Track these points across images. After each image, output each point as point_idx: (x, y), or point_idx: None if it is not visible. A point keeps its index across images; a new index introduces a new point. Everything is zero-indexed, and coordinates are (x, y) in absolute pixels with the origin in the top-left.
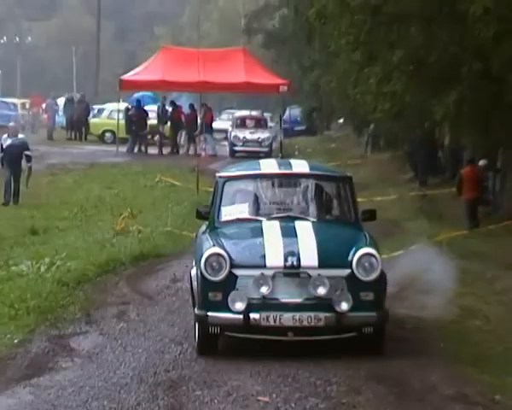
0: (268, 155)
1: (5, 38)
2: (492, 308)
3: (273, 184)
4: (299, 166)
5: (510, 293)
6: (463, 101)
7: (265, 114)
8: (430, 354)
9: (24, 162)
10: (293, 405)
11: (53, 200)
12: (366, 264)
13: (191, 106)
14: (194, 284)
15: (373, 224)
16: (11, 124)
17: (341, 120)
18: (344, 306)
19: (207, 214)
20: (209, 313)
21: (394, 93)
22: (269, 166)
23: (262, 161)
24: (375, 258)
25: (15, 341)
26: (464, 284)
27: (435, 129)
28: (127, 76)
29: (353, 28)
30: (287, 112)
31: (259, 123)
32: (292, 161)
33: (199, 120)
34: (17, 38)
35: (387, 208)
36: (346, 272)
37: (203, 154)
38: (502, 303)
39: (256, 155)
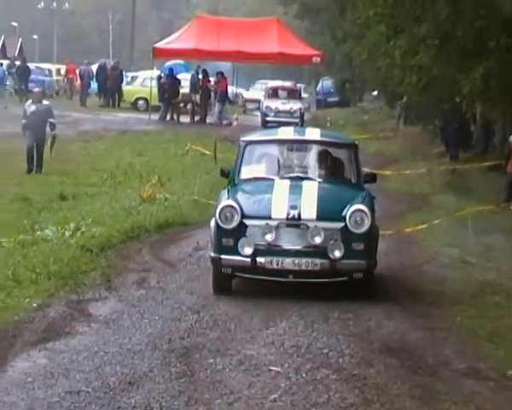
0: (300, 125)
1: (42, 3)
2: None
3: (288, 149)
4: (312, 133)
5: None
6: (490, 75)
7: (298, 85)
8: (446, 328)
9: (48, 130)
10: (304, 375)
11: (83, 166)
12: (357, 218)
13: (220, 74)
14: (211, 232)
15: (401, 197)
16: (36, 89)
17: (375, 92)
18: (337, 253)
19: (229, 173)
20: (222, 256)
21: (421, 66)
22: (285, 132)
23: (280, 129)
24: (366, 214)
25: (34, 305)
26: (488, 259)
27: (462, 103)
28: (160, 44)
29: (379, 0)
30: (320, 83)
31: (292, 93)
32: (307, 129)
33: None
34: (54, 4)
35: (416, 182)
36: (340, 224)
37: (235, 123)
38: None
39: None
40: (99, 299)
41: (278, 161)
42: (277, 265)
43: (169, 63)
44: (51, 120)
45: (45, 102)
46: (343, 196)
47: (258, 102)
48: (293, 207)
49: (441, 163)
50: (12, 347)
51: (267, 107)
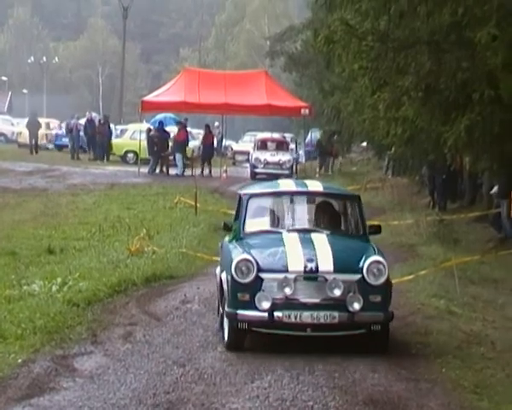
0: (289, 177)
1: (32, 58)
2: (500, 334)
3: (291, 201)
4: (314, 185)
5: None
6: (475, 127)
7: (286, 135)
8: (431, 380)
9: None
10: None
11: (72, 220)
12: (375, 270)
13: (179, 124)
14: (224, 286)
15: (387, 248)
16: None
17: (364, 144)
18: (356, 306)
19: (232, 227)
20: (238, 311)
21: (405, 118)
22: (287, 185)
23: (280, 181)
24: (383, 265)
25: (19, 360)
26: (474, 310)
27: (446, 154)
28: (148, 98)
29: (362, 54)
30: (309, 135)
31: (281, 145)
32: (307, 181)
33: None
34: (44, 58)
35: (403, 233)
36: (358, 276)
37: (224, 175)
38: (510, 330)
39: (277, 178)
40: (84, 354)
41: (283, 214)
42: (295, 319)
43: (159, 116)
44: None
45: None
46: (355, 248)
47: (248, 153)
48: (310, 260)
49: (428, 214)
50: None
51: (256, 159)
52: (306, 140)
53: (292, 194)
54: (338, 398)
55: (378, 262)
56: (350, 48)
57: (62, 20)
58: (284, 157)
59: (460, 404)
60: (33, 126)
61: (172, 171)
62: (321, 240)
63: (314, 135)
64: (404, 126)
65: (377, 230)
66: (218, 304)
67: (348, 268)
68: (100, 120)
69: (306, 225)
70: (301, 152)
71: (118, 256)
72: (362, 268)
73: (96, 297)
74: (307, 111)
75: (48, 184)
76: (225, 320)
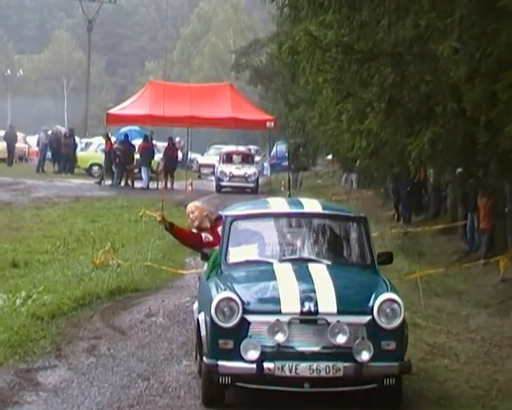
0: (254, 190)
1: None
2: (463, 346)
3: (284, 224)
4: (311, 205)
5: (483, 331)
6: (438, 139)
7: (251, 147)
8: None
9: None
10: None
11: (36, 233)
12: (388, 310)
13: (145, 137)
14: (202, 330)
15: None
16: None
17: (330, 156)
18: (365, 355)
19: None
20: (219, 363)
21: (370, 131)
22: (278, 205)
23: (270, 200)
24: (398, 304)
25: None
26: (438, 322)
27: (410, 167)
28: (114, 110)
29: (326, 65)
30: (274, 148)
31: (246, 158)
32: (302, 199)
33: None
34: (8, 71)
35: None
36: (367, 319)
37: (189, 188)
38: (473, 341)
39: (242, 191)
40: (48, 367)
41: (274, 240)
42: (290, 371)
43: (124, 129)
44: None
45: None
46: (363, 283)
47: (213, 166)
48: (308, 299)
49: (393, 226)
50: None
51: (221, 172)
52: (272, 153)
53: (285, 216)
54: None
55: (392, 301)
56: (314, 59)
57: (26, 33)
58: (250, 170)
59: None
60: (10, 139)
61: (137, 184)
62: (320, 272)
63: (279, 148)
64: (368, 139)
65: (388, 258)
66: (196, 349)
67: (355, 308)
68: (65, 134)
69: (302, 254)
70: (266, 164)
71: (82, 269)
72: (372, 308)
73: (61, 311)
74: (272, 124)
75: (12, 198)
76: (203, 372)
